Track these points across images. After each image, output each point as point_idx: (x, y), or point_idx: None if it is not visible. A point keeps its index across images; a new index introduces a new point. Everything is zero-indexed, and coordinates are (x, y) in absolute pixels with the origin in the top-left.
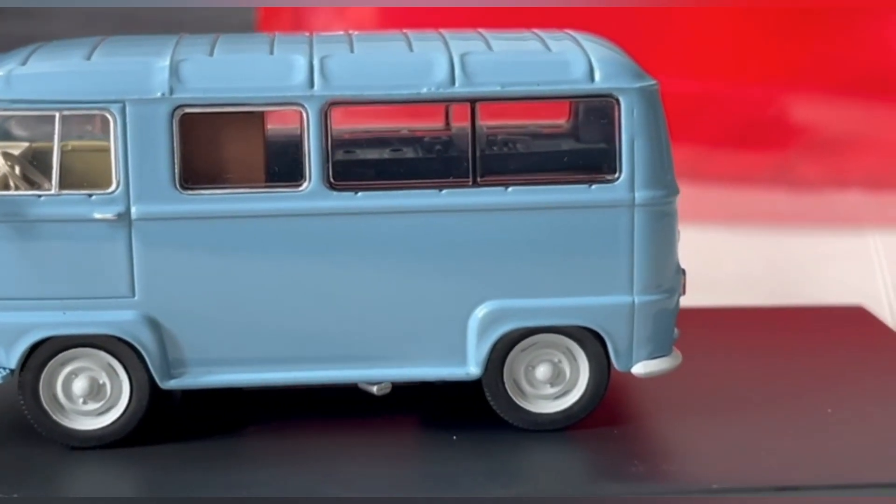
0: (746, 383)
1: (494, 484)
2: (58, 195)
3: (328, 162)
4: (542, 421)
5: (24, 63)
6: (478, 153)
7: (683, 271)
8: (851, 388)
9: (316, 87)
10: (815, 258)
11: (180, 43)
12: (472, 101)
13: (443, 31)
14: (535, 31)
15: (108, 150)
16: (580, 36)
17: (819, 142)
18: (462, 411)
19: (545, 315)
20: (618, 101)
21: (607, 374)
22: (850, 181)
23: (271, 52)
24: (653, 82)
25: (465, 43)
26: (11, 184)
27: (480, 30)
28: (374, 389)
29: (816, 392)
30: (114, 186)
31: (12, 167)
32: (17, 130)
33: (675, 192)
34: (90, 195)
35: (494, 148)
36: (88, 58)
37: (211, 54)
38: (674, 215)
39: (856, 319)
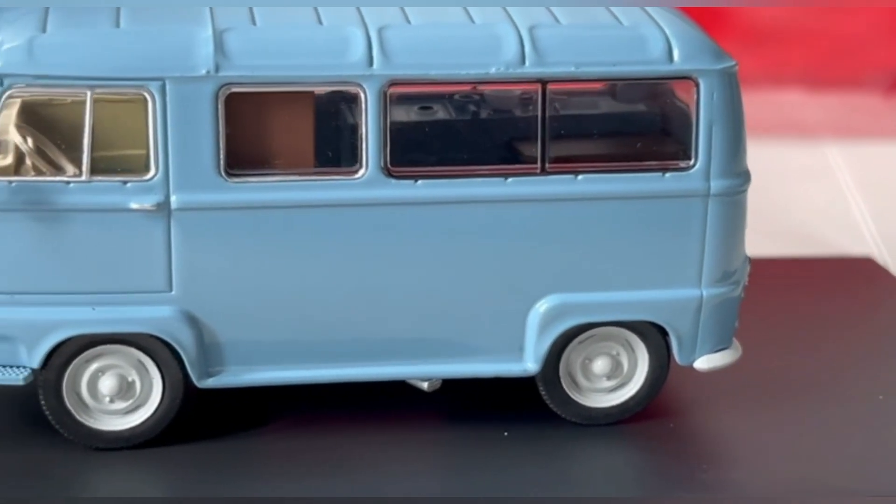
0: (787, 364)
1: (548, 488)
2: (89, 182)
3: (386, 147)
4: (597, 415)
5: (43, 29)
6: (547, 138)
7: (749, 260)
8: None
9: (375, 66)
10: (778, 175)
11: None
12: (544, 83)
13: None
14: None
15: (141, 101)
16: None
17: (753, 32)
18: (511, 403)
19: (610, 310)
20: (697, 83)
21: (666, 369)
22: (787, 78)
23: (320, 21)
24: (733, 63)
25: (525, 9)
26: (29, 163)
27: None
28: (425, 385)
29: (859, 372)
30: (152, 173)
31: (25, 139)
32: None
33: (749, 179)
34: (125, 182)
35: (563, 132)
36: (117, 24)
37: (253, 21)
38: (745, 204)
39: (867, 273)
